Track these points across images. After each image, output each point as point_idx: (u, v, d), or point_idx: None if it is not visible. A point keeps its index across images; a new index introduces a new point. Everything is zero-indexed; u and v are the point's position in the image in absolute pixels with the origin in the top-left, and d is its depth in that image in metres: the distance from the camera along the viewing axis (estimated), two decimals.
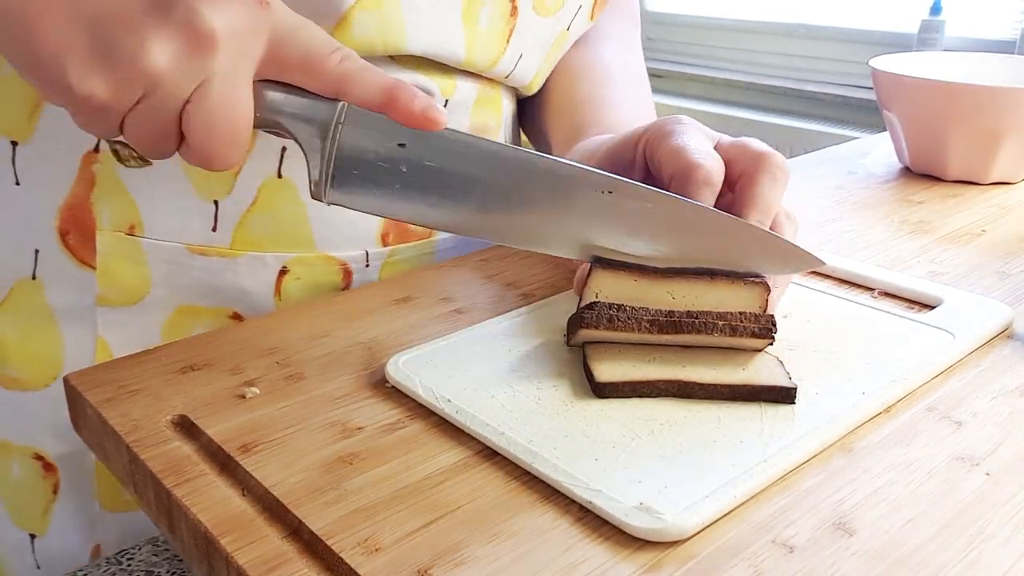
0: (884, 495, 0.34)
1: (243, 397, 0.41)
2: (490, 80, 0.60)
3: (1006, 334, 0.46)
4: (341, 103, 0.40)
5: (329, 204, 0.41)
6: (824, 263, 0.44)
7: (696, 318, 0.41)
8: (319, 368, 0.44)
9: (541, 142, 0.68)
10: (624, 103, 0.63)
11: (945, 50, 2.09)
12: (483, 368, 0.42)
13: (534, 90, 0.65)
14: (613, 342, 0.42)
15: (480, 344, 0.44)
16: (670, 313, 0.41)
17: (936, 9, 2.09)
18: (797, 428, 0.37)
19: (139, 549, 0.45)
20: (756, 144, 0.47)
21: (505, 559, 0.31)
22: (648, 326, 0.41)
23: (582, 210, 0.41)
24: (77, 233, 0.52)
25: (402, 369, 0.42)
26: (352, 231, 0.55)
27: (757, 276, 0.42)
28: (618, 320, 0.40)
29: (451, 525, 0.32)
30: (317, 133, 0.40)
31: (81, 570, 0.44)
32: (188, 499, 0.34)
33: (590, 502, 0.33)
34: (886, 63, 0.79)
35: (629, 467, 0.35)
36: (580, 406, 0.39)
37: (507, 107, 0.64)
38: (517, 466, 0.36)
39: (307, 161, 0.40)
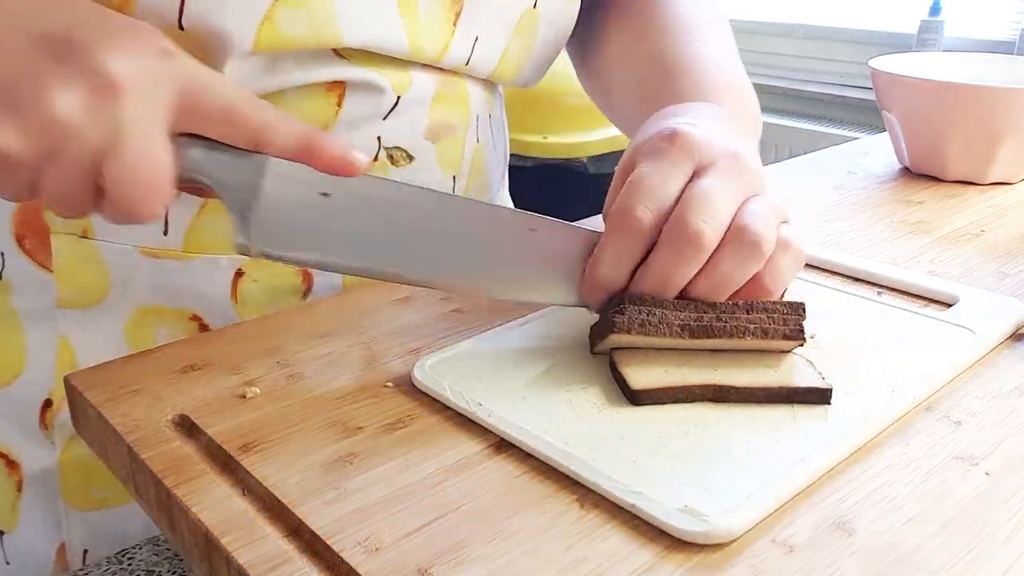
0: (883, 494, 0.34)
1: (244, 397, 0.41)
2: (453, 73, 0.58)
3: (1020, 332, 0.46)
4: (261, 157, 0.39)
5: (254, 257, 0.40)
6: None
7: (727, 322, 0.40)
8: (319, 368, 0.44)
9: (614, 110, 0.64)
10: (700, 53, 0.57)
11: (944, 50, 2.09)
12: (511, 371, 0.42)
13: (505, 79, 0.62)
14: (640, 347, 0.41)
15: (505, 347, 0.44)
16: (700, 317, 0.41)
17: (935, 9, 2.10)
18: (831, 427, 0.37)
19: (139, 548, 0.45)
20: (745, 217, 0.40)
21: (505, 558, 0.31)
22: (679, 331, 0.40)
23: (506, 250, 0.42)
24: (33, 237, 0.52)
25: (429, 372, 0.42)
26: None
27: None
28: (649, 325, 0.40)
29: (451, 524, 0.32)
30: (239, 190, 0.39)
31: (82, 569, 0.44)
32: (189, 499, 0.34)
33: (633, 505, 0.33)
34: (885, 63, 0.79)
35: (668, 469, 0.35)
36: (612, 408, 0.39)
37: (477, 104, 0.61)
38: (518, 465, 0.36)
39: (232, 216, 0.40)
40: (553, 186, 2.01)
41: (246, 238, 0.40)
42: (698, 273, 0.41)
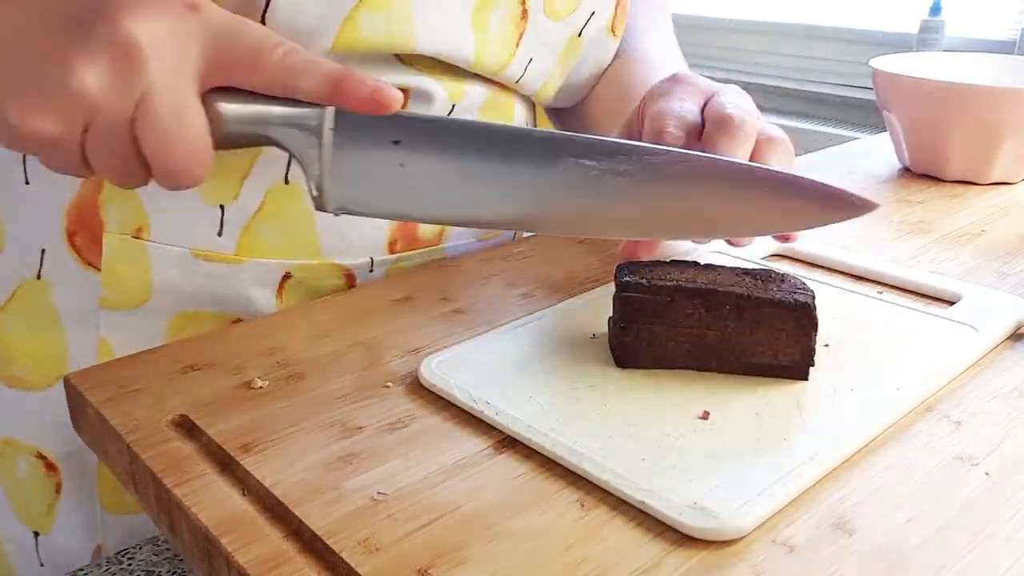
0: (883, 495, 0.34)
1: (251, 387, 0.41)
2: (502, 86, 0.60)
3: (1021, 331, 0.46)
4: (328, 108, 0.39)
5: (336, 213, 0.40)
6: (879, 205, 0.42)
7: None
8: (319, 368, 0.44)
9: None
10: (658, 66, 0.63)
11: (945, 50, 2.09)
12: (517, 370, 0.42)
13: (544, 99, 0.65)
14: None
15: (511, 346, 0.44)
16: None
17: (936, 9, 2.09)
18: (838, 424, 0.37)
19: (140, 549, 0.46)
20: (726, 106, 0.44)
21: (505, 559, 0.31)
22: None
23: (580, 178, 0.40)
24: (84, 234, 0.52)
25: (436, 371, 0.42)
26: (360, 240, 0.55)
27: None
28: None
29: (451, 525, 0.32)
30: (310, 142, 0.39)
31: (82, 570, 0.44)
32: (188, 499, 0.34)
33: (643, 502, 0.33)
34: (886, 63, 0.79)
35: (677, 467, 0.35)
36: (619, 406, 0.39)
37: (520, 113, 0.64)
38: (518, 465, 0.36)
39: (304, 173, 0.40)
40: None
41: (321, 195, 0.40)
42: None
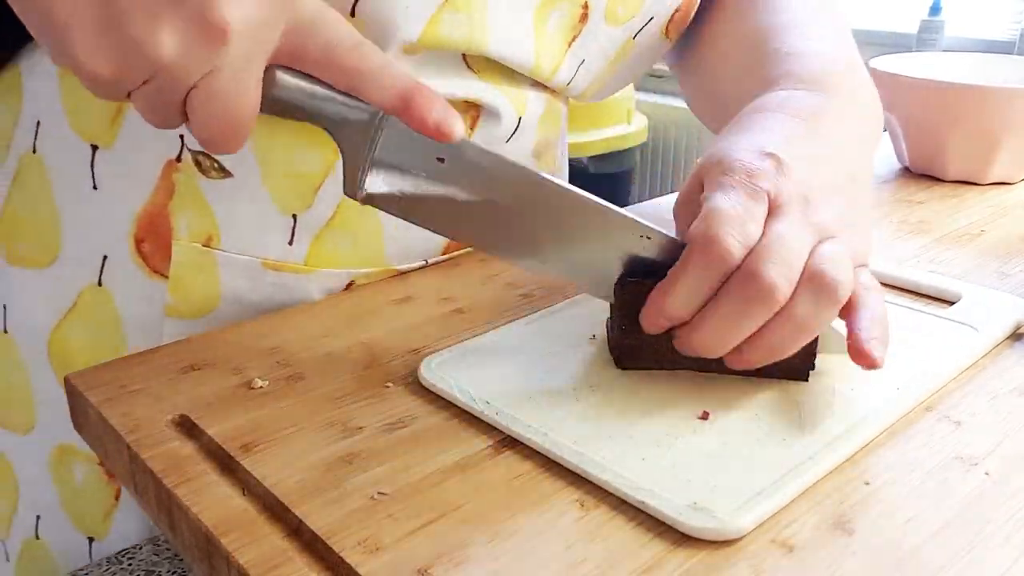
0: (883, 495, 0.34)
1: (251, 387, 0.41)
2: (553, 92, 0.60)
3: (1021, 331, 0.46)
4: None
5: (362, 203, 0.41)
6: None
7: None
8: (320, 368, 0.44)
9: (715, 103, 0.61)
10: (807, 32, 0.53)
11: (944, 50, 2.09)
12: (517, 371, 0.42)
13: (587, 98, 0.64)
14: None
15: (511, 347, 0.45)
16: None
17: (935, 9, 2.10)
18: (838, 424, 0.37)
19: (139, 548, 0.46)
20: (823, 262, 0.38)
21: (505, 558, 0.31)
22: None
23: (613, 252, 0.41)
24: (153, 241, 0.51)
25: (436, 371, 0.42)
26: (422, 246, 0.56)
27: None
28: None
29: (451, 525, 0.32)
30: (357, 134, 0.39)
31: (82, 569, 0.44)
32: (189, 498, 0.34)
33: (643, 502, 0.33)
34: (886, 63, 0.79)
35: (676, 467, 0.35)
36: (619, 406, 0.39)
37: (563, 115, 0.64)
38: (518, 465, 0.36)
39: (343, 158, 0.40)
40: None
41: (355, 184, 0.40)
42: (771, 322, 0.38)
